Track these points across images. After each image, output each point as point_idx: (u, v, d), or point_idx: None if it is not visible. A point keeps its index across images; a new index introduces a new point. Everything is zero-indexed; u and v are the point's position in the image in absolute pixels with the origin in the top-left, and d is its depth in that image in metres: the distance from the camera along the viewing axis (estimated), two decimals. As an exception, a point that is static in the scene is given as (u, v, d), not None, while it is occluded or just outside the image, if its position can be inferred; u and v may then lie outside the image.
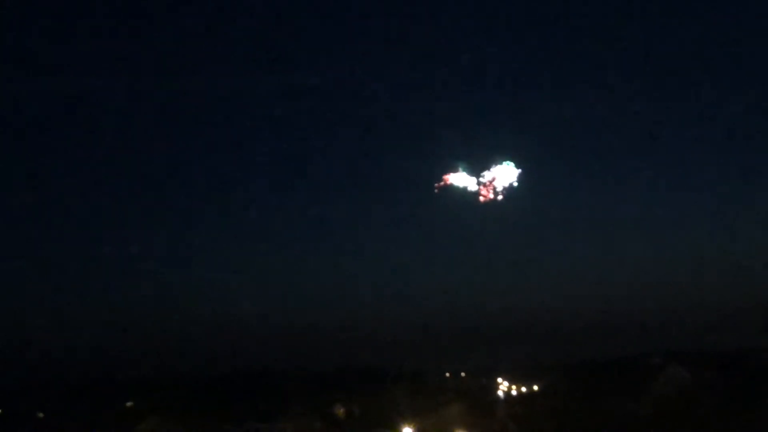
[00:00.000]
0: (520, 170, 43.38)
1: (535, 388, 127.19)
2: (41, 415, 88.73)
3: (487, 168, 43.53)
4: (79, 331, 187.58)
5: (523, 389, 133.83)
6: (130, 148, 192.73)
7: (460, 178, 43.96)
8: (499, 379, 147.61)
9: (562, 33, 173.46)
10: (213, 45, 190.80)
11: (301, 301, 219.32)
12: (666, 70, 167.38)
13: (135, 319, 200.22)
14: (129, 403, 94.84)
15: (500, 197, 42.82)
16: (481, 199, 43.23)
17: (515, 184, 43.00)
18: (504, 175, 43.15)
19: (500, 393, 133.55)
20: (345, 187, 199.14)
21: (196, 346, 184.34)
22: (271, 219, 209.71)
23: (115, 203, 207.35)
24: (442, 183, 44.43)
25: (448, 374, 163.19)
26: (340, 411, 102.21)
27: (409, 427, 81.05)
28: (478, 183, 43.43)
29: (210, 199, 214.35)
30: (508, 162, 43.49)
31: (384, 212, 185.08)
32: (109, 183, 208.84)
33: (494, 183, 43.00)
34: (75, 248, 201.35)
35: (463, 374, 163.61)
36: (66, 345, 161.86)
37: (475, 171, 43.82)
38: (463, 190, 43.80)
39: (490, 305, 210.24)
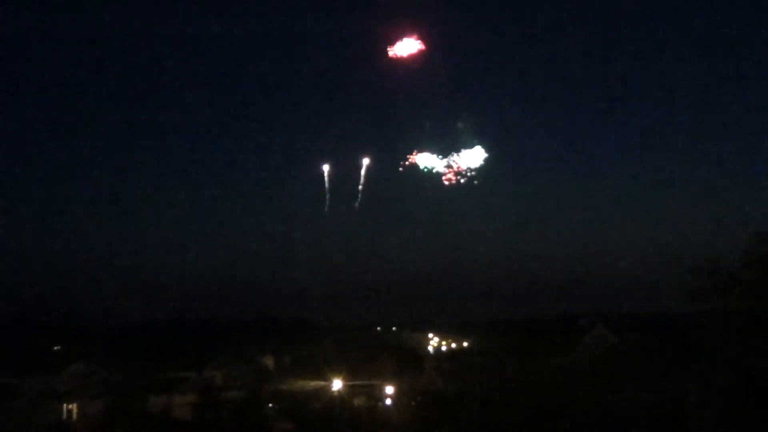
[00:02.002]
0: (487, 154, 43.34)
1: (465, 344, 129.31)
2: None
3: (456, 151, 43.24)
4: (5, 274, 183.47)
5: (453, 345, 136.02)
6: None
7: (426, 159, 43.56)
8: (430, 335, 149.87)
9: (536, 20, 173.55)
10: None
11: (238, 255, 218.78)
12: (631, 57, 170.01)
13: (65, 264, 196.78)
14: (56, 347, 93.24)
15: (463, 180, 42.62)
16: (445, 180, 42.96)
17: (479, 165, 42.88)
18: (471, 158, 42.89)
19: (430, 348, 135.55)
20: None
21: (126, 294, 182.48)
22: (214, 175, 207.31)
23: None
24: (407, 162, 43.95)
25: (379, 328, 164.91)
26: (270, 361, 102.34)
27: (339, 379, 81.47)
28: (447, 165, 43.12)
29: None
30: (477, 146, 43.29)
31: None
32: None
33: (460, 165, 42.72)
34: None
35: (393, 329, 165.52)
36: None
37: (444, 152, 43.47)
38: (429, 172, 43.43)
39: (425, 266, 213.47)
